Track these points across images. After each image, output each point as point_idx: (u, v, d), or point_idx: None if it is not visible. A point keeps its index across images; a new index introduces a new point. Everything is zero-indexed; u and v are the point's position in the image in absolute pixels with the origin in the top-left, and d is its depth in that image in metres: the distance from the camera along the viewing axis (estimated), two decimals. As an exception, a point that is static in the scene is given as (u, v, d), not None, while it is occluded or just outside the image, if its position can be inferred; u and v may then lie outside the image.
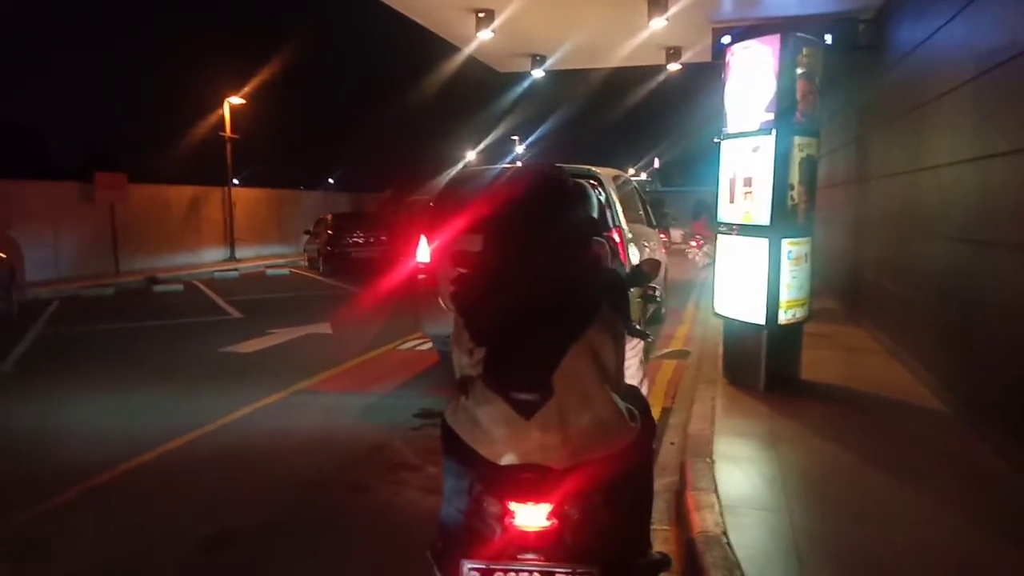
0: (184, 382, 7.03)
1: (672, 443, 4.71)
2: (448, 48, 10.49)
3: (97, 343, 9.55)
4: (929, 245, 5.79)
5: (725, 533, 3.28)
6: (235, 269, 20.32)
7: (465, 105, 47.43)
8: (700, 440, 4.53)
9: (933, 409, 5.16)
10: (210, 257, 23.01)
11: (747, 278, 5.55)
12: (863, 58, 8.25)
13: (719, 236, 5.90)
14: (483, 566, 1.94)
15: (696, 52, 10.02)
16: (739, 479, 3.95)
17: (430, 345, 8.33)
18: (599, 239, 2.57)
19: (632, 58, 10.45)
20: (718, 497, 3.65)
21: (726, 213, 5.77)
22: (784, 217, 5.36)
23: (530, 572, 1.92)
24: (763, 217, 5.39)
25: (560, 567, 1.92)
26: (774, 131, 5.28)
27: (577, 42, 9.65)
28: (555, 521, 1.95)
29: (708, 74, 13.09)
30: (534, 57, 10.59)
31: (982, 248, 4.65)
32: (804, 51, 5.30)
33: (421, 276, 6.82)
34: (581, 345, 1.95)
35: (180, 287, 16.33)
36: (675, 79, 13.23)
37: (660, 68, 11.50)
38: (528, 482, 1.92)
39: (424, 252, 6.78)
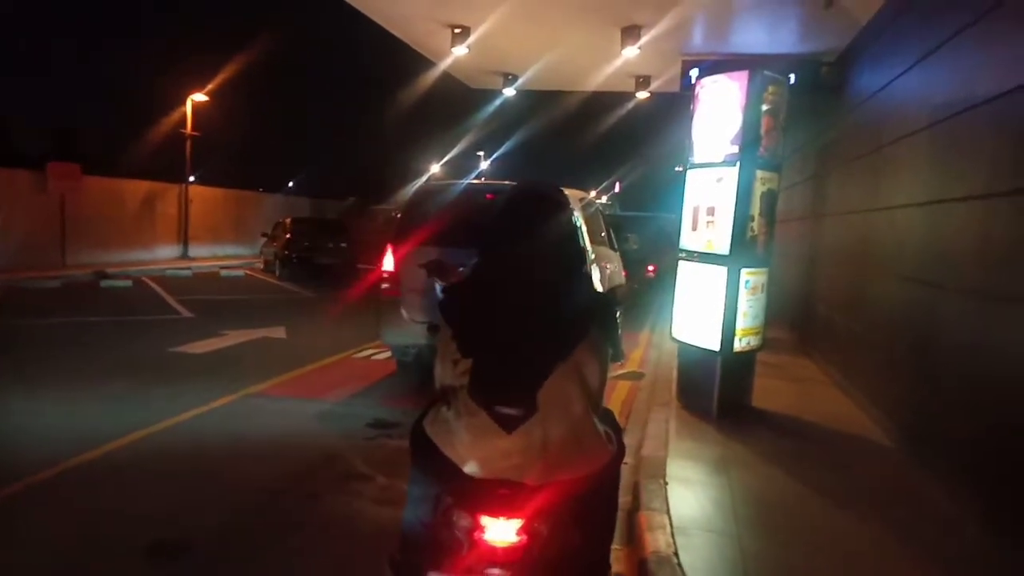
0: (131, 381, 6.83)
1: (625, 463, 4.75)
2: (420, 61, 10.52)
3: (40, 337, 9.22)
4: (880, 283, 5.99)
5: (676, 554, 3.33)
6: (188, 268, 19.88)
7: (433, 118, 47.47)
8: (653, 462, 4.59)
9: (878, 442, 5.31)
10: (163, 254, 22.50)
11: (705, 305, 5.67)
12: (824, 99, 8.53)
13: (680, 262, 6.01)
14: None
15: (664, 82, 10.23)
16: (691, 502, 4.02)
17: (387, 355, 8.31)
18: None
19: (602, 84, 10.64)
20: (670, 519, 3.72)
21: (688, 240, 5.89)
22: (744, 247, 5.50)
23: None
24: (723, 246, 5.51)
25: None
26: (738, 163, 5.42)
27: (550, 64, 9.79)
28: (524, 537, 1.96)
29: (673, 103, 13.38)
30: (506, 76, 10.69)
31: (931, 289, 4.82)
32: (770, 88, 5.47)
33: (385, 285, 6.82)
34: (568, 364, 1.97)
35: (129, 283, 15.92)
36: (641, 106, 13.47)
37: (628, 95, 11.71)
38: (502, 497, 1.92)
39: (389, 262, 6.80)
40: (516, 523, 1.94)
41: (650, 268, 14.54)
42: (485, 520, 1.94)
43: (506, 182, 6.98)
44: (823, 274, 8.37)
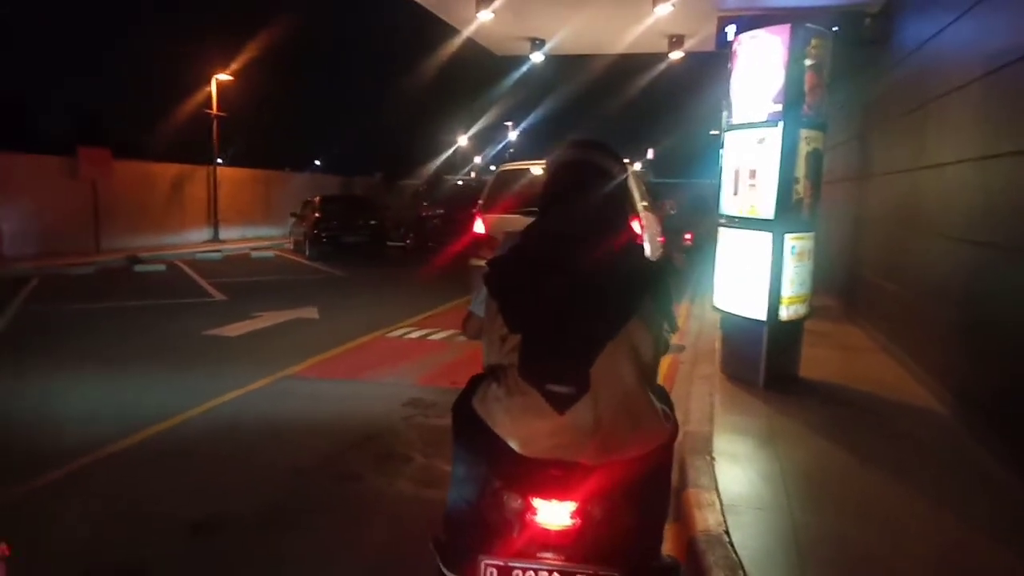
0: (168, 365, 6.85)
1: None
2: (444, 29, 10.30)
3: (78, 323, 9.31)
4: (930, 245, 5.72)
5: (727, 532, 3.20)
6: (219, 250, 20.01)
7: (459, 89, 47.10)
8: (699, 437, 4.44)
9: (932, 410, 5.10)
10: (193, 237, 22.66)
11: (749, 272, 5.46)
12: (867, 53, 8.16)
13: (721, 229, 5.79)
14: (502, 563, 1.86)
15: (699, 41, 9.87)
16: (739, 477, 3.87)
17: (421, 333, 8.38)
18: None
19: (634, 45, 10.28)
20: (719, 495, 3.58)
21: (729, 205, 5.67)
22: (788, 211, 5.26)
23: (550, 572, 1.84)
24: (767, 211, 5.28)
25: (581, 568, 1.85)
26: (781, 123, 5.17)
27: (579, 26, 9.48)
28: (578, 520, 1.88)
29: (706, 65, 12.99)
30: (533, 41, 10.39)
31: (984, 249, 4.58)
32: (813, 42, 5.20)
33: (478, 246, 8.13)
34: (621, 339, 1.86)
35: (162, 267, 16.05)
36: (672, 69, 13.08)
37: (657, 57, 11.37)
38: (555, 478, 1.84)
39: (480, 226, 8.29)
40: (570, 506, 1.86)
41: (687, 236, 14.32)
42: (537, 502, 1.87)
43: None
44: (869, 237, 8.06)
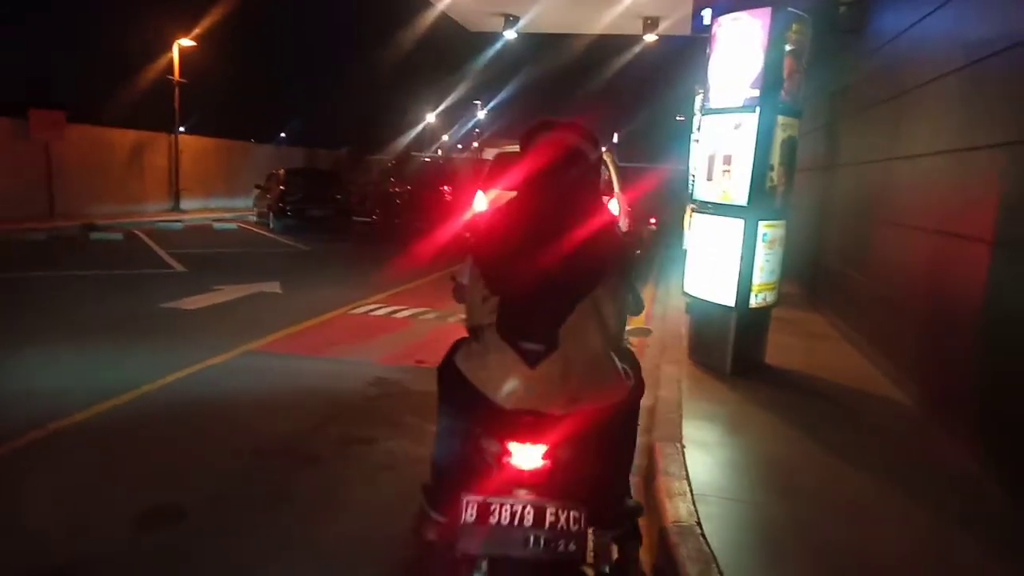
0: (121, 338, 6.59)
1: (639, 424, 4.57)
2: (418, 1, 10.04)
3: (25, 291, 8.95)
4: (898, 235, 5.74)
5: (699, 523, 3.16)
6: (179, 220, 19.52)
7: (429, 65, 46.32)
8: (668, 423, 4.41)
9: (895, 399, 5.15)
10: (153, 207, 22.08)
11: (720, 259, 5.42)
12: (839, 43, 8.15)
13: (695, 214, 5.74)
14: (481, 499, 2.08)
15: (673, 23, 9.77)
16: (710, 466, 3.85)
17: (386, 311, 8.23)
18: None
19: (609, 26, 10.13)
20: (690, 484, 3.54)
21: (703, 191, 5.61)
22: (762, 198, 5.22)
23: (523, 506, 2.07)
24: (741, 197, 5.24)
25: (551, 503, 2.08)
26: (758, 108, 5.11)
27: (554, 3, 9.31)
28: (548, 462, 2.14)
29: (675, 51, 12.96)
30: (508, 17, 10.18)
31: (955, 241, 4.60)
32: (794, 27, 5.14)
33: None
34: (587, 304, 2.13)
35: (119, 236, 15.57)
36: (641, 54, 13.05)
37: (632, 41, 11.28)
38: (528, 425, 2.10)
39: (482, 202, 8.71)
40: (541, 448, 2.13)
41: (652, 220, 14.38)
42: (512, 446, 2.14)
43: None
44: (835, 227, 8.11)
